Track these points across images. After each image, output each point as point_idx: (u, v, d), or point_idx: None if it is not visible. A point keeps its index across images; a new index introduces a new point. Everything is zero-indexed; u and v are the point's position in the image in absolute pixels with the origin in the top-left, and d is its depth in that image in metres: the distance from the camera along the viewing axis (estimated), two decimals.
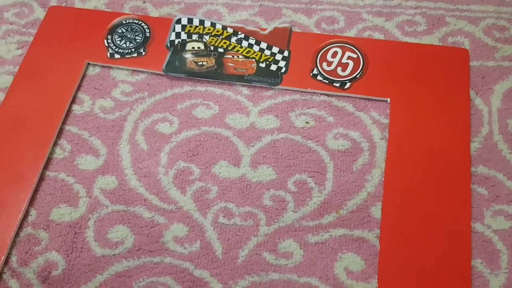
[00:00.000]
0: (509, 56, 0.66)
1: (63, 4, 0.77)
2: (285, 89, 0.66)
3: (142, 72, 0.70)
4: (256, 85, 0.67)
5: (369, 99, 0.65)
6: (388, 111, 0.63)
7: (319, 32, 0.71)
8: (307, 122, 0.64)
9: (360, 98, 0.65)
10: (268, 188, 0.60)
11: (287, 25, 0.72)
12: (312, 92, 0.66)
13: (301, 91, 0.66)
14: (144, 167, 0.63)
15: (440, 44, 0.68)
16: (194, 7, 0.76)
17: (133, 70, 0.70)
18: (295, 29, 0.71)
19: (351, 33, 0.71)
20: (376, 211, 0.57)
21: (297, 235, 0.57)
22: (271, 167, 0.61)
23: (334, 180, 0.60)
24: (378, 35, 0.70)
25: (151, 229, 0.59)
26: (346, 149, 0.62)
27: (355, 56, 0.67)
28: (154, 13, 0.75)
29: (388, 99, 0.63)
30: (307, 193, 0.59)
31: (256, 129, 0.64)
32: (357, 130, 0.63)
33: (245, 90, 0.67)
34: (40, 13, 0.76)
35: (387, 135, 0.62)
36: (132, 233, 0.59)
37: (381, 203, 0.58)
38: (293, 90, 0.66)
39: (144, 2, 0.77)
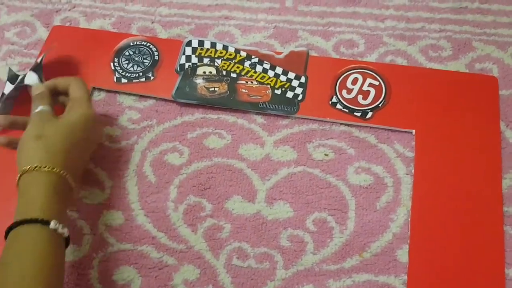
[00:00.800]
0: None
1: (67, 24, 0.73)
2: (302, 118, 0.62)
3: (150, 97, 0.66)
4: (272, 113, 0.62)
5: (392, 130, 0.60)
6: (413, 143, 0.59)
7: (337, 56, 0.67)
8: (326, 155, 0.60)
9: (382, 129, 0.60)
10: (286, 226, 0.56)
11: (304, 48, 0.68)
12: (331, 122, 0.62)
13: (319, 120, 0.62)
14: (152, 202, 0.59)
15: (467, 70, 0.64)
16: (205, 28, 0.72)
17: (141, 95, 0.66)
18: (312, 53, 0.67)
19: (372, 57, 0.67)
20: (403, 255, 0.53)
21: (317, 280, 0.53)
22: (288, 203, 0.58)
23: (356, 219, 0.56)
24: (400, 60, 0.66)
25: (159, 270, 0.55)
26: (369, 185, 0.58)
27: (376, 83, 0.63)
28: (163, 34, 0.72)
29: (413, 131, 0.59)
30: (328, 233, 0.55)
31: (271, 161, 0.60)
32: (380, 164, 0.59)
33: (260, 119, 0.63)
34: (43, 33, 0.73)
35: (412, 170, 0.58)
36: (139, 275, 0.55)
37: (407, 246, 0.53)
38: (311, 120, 0.62)
39: (152, 23, 0.73)
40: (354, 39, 0.69)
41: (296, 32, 0.70)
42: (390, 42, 0.68)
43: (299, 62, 0.66)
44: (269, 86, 0.65)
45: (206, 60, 0.67)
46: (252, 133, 0.63)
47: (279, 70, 0.66)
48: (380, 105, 0.61)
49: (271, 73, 0.66)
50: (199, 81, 0.66)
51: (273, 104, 0.63)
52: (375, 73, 0.64)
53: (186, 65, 0.67)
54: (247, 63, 0.67)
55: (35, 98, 0.58)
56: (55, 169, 0.50)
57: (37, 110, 0.56)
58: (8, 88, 0.62)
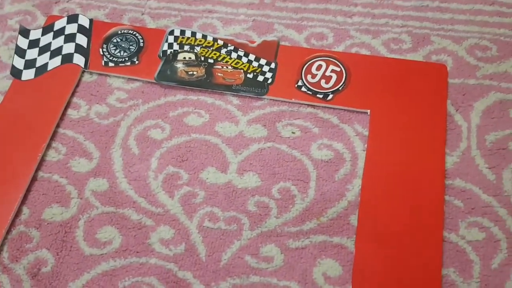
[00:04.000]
0: (490, 75, 0.69)
1: (65, 14, 0.80)
2: (273, 100, 0.69)
3: (137, 80, 0.72)
4: (243, 94, 0.69)
5: (352, 111, 0.67)
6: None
7: (308, 47, 0.74)
8: (293, 132, 0.66)
9: (343, 110, 0.67)
10: (253, 194, 0.62)
11: (275, 38, 0.74)
12: (298, 104, 0.68)
13: (289, 102, 0.68)
14: (135, 171, 0.65)
15: (424, 61, 0.71)
16: (190, 20, 0.79)
17: (129, 78, 0.72)
18: (284, 43, 0.74)
19: (339, 49, 0.74)
20: (355, 219, 0.60)
21: (278, 240, 0.59)
22: (257, 174, 0.64)
23: (316, 188, 0.62)
24: (364, 52, 0.73)
25: (138, 230, 0.61)
26: (329, 159, 0.64)
27: (338, 69, 0.70)
28: (151, 24, 0.79)
29: (368, 111, 0.66)
30: (290, 200, 0.62)
31: (244, 138, 0.67)
32: (340, 141, 0.66)
33: (236, 100, 0.70)
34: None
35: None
36: (120, 234, 0.61)
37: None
38: (282, 102, 0.69)
39: (142, 14, 0.80)
40: (324, 32, 0.76)
41: (273, 25, 0.77)
42: (356, 36, 0.75)
43: (270, 50, 0.73)
44: (242, 71, 0.72)
45: (186, 47, 0.74)
46: (228, 113, 0.69)
47: (252, 57, 0.73)
48: (340, 88, 0.68)
49: (244, 60, 0.73)
50: (179, 65, 0.72)
51: (245, 87, 0.70)
52: (337, 61, 0.70)
53: (168, 51, 0.74)
54: (223, 51, 0.74)
55: None
56: None
57: None
58: (22, 41, 0.69)
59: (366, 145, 0.64)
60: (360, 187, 0.62)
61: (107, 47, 0.75)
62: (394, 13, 0.77)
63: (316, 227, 0.60)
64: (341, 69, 0.69)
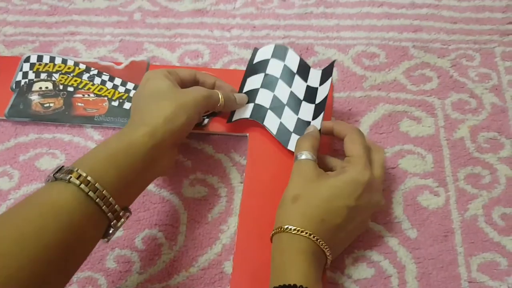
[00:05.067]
0: (378, 85, 0.63)
1: None
2: None
3: None
4: (108, 125, 0.60)
5: (229, 136, 0.59)
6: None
7: (182, 66, 0.66)
8: None
9: (220, 135, 0.59)
10: (113, 247, 0.54)
11: (144, 58, 0.66)
12: None
13: None
14: None
15: None
16: (49, 45, 0.69)
17: None
18: (155, 64, 0.66)
19: (216, 66, 0.66)
20: (230, 267, 0.52)
21: None
22: None
23: (187, 233, 0.54)
24: (243, 68, 0.65)
25: None
26: (203, 197, 0.56)
27: None
28: (5, 53, 0.68)
29: (247, 134, 0.58)
30: (157, 250, 0.53)
31: None
32: (215, 174, 0.57)
33: (97, 135, 0.61)
34: None
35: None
36: None
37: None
38: None
39: None
40: (199, 49, 0.68)
41: (142, 44, 0.69)
42: (234, 51, 0.67)
43: (139, 72, 0.65)
44: (106, 98, 0.63)
45: (43, 75, 0.65)
46: (87, 151, 0.60)
47: (118, 81, 0.64)
48: (216, 111, 0.60)
49: (109, 85, 0.64)
50: (34, 97, 0.63)
51: (110, 117, 0.61)
52: None
53: (22, 82, 0.64)
54: (85, 76, 0.64)
55: (304, 137, 0.52)
56: (312, 235, 0.44)
57: (301, 158, 0.50)
58: None
59: (243, 176, 0.56)
60: (236, 227, 0.54)
61: None
62: (275, 23, 0.70)
63: (185, 280, 0.51)
64: None
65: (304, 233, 0.44)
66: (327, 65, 0.59)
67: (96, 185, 0.41)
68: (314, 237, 0.44)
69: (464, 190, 0.56)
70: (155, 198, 0.56)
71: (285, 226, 0.45)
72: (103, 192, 0.42)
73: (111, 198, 0.42)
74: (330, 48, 0.67)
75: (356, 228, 0.49)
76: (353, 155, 0.49)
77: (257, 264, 0.50)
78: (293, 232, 0.45)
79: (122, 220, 0.44)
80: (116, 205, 0.43)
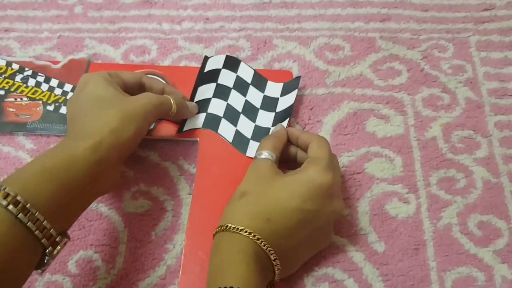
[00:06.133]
0: (342, 80, 0.57)
1: None
2: None
3: None
4: (42, 133, 0.54)
5: (177, 142, 0.53)
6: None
7: (126, 64, 0.59)
8: None
9: (166, 141, 0.53)
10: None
11: (85, 55, 0.59)
12: None
13: None
14: None
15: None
16: None
17: None
18: (97, 61, 0.59)
19: (165, 63, 0.60)
20: None
21: None
22: None
23: (126, 254, 0.47)
24: (195, 65, 0.59)
25: None
26: (146, 211, 0.50)
27: None
28: None
29: (198, 139, 0.52)
30: (91, 275, 0.47)
31: None
32: (161, 185, 0.51)
33: (29, 144, 0.54)
34: None
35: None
36: None
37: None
38: None
39: None
40: (146, 44, 0.61)
41: (83, 40, 0.62)
42: (185, 46, 0.61)
43: (78, 71, 0.58)
44: (41, 102, 0.56)
45: None
46: (18, 162, 0.53)
47: (54, 82, 0.57)
48: (166, 119, 0.53)
49: (44, 87, 0.57)
50: None
51: (44, 123, 0.54)
52: (161, 78, 0.56)
53: None
54: (18, 77, 0.58)
55: (267, 137, 0.48)
56: (253, 234, 0.39)
57: (260, 157, 0.45)
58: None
59: (192, 187, 0.50)
60: (183, 245, 0.47)
61: None
62: (231, 14, 0.63)
63: None
64: None
65: (244, 232, 0.39)
66: (285, 60, 0.54)
67: (27, 206, 0.35)
68: (255, 236, 0.39)
69: (437, 196, 0.50)
70: (91, 215, 0.50)
71: (226, 225, 0.40)
72: (36, 214, 0.35)
73: (45, 221, 0.36)
74: (291, 41, 0.61)
75: (315, 240, 0.44)
76: (315, 156, 0.43)
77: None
78: (233, 230, 0.39)
79: (59, 247, 0.37)
80: (52, 229, 0.36)
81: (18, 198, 0.35)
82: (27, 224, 0.35)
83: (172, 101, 0.48)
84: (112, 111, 0.42)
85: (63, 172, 0.38)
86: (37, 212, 0.35)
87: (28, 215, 0.35)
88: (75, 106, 0.44)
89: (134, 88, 0.49)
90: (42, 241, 0.36)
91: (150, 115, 0.45)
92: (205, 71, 0.56)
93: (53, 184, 0.37)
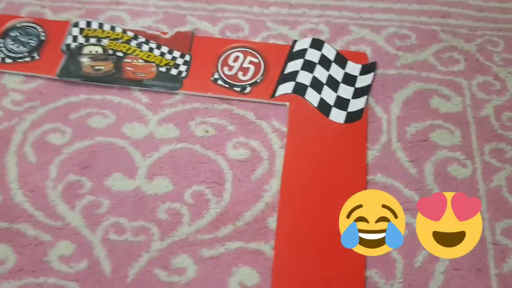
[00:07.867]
0: (409, 64, 0.67)
1: None
2: (186, 97, 0.64)
3: (35, 79, 0.65)
4: (155, 89, 0.64)
5: (270, 105, 0.63)
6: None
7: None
8: (206, 131, 0.61)
9: (261, 103, 0.63)
10: (164, 200, 0.57)
11: (189, 29, 0.69)
12: (213, 100, 0.64)
13: (203, 99, 0.64)
14: (31, 181, 0.58)
15: None
16: (95, 13, 0.72)
17: (26, 76, 0.65)
18: (199, 34, 0.69)
19: (256, 41, 0.70)
20: (273, 222, 0.56)
21: (191, 250, 0.54)
22: (168, 178, 0.59)
23: (232, 190, 0.58)
24: (282, 43, 0.69)
25: (35, 247, 0.54)
26: (246, 159, 0.60)
27: (256, 60, 0.66)
28: (52, 18, 0.71)
29: (287, 104, 0.62)
30: (204, 205, 0.57)
31: (154, 139, 0.61)
32: (257, 139, 0.61)
33: (145, 98, 0.64)
34: None
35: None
36: (14, 252, 0.54)
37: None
38: (195, 97, 0.64)
39: (42, 7, 0.73)
40: (239, 24, 0.71)
41: (185, 17, 0.72)
42: (273, 27, 0.71)
43: (184, 41, 0.68)
44: (154, 64, 0.66)
45: (92, 40, 0.68)
46: (136, 113, 0.64)
47: (164, 49, 0.67)
48: (258, 80, 0.64)
49: (156, 52, 0.67)
50: (85, 59, 0.66)
51: (158, 81, 0.65)
52: (255, 52, 0.66)
53: (73, 45, 0.67)
54: (133, 43, 0.68)
55: None
56: None
57: None
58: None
59: (284, 142, 0.60)
60: (278, 187, 0.58)
61: (4, 42, 0.67)
62: (311, 2, 0.74)
63: (231, 233, 0.55)
64: (259, 60, 0.65)
65: None
66: (359, 44, 0.66)
67: None
68: None
69: (489, 163, 0.60)
70: (201, 158, 0.60)
71: None
72: None
73: None
74: (364, 28, 0.71)
75: None
76: None
77: (300, 221, 0.54)
78: None
79: None
80: None
81: None
82: None
83: None
84: None
85: None
86: None
87: None
88: None
89: None
90: None
91: None
92: (293, 51, 0.66)
93: None
